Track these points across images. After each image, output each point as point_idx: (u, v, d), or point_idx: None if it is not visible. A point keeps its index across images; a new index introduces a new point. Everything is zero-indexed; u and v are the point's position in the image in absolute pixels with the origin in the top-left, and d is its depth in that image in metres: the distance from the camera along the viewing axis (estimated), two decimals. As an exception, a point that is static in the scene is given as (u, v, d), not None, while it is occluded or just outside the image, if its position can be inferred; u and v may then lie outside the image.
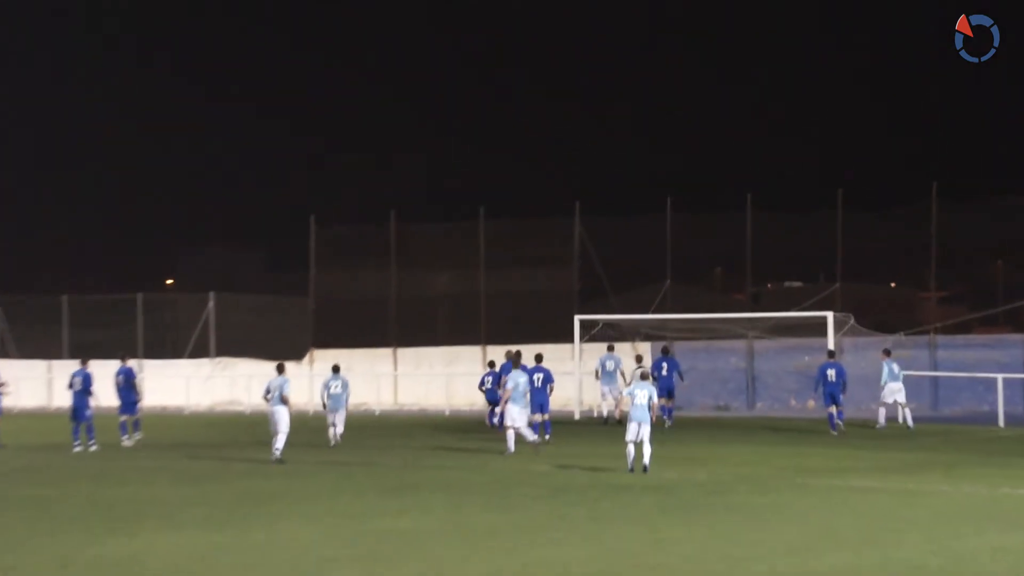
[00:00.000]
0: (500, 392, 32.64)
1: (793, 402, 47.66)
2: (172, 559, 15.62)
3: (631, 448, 24.84)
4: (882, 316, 52.15)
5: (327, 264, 56.92)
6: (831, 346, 39.64)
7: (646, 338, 49.69)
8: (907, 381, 40.26)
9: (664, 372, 40.18)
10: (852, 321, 43.72)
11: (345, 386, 33.47)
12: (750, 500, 20.87)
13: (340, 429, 33.12)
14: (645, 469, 24.56)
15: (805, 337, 45.89)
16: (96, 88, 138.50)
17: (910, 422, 37.76)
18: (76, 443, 32.61)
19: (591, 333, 46.17)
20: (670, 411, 39.86)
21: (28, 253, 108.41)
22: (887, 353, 39.29)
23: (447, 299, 56.82)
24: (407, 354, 54.25)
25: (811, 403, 45.14)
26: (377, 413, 48.93)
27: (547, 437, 33.20)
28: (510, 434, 29.73)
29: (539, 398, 33.79)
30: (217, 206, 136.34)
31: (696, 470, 25.77)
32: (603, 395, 41.92)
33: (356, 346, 53.81)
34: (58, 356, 58.50)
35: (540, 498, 21.48)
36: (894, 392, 38.44)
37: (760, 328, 47.44)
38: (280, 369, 29.82)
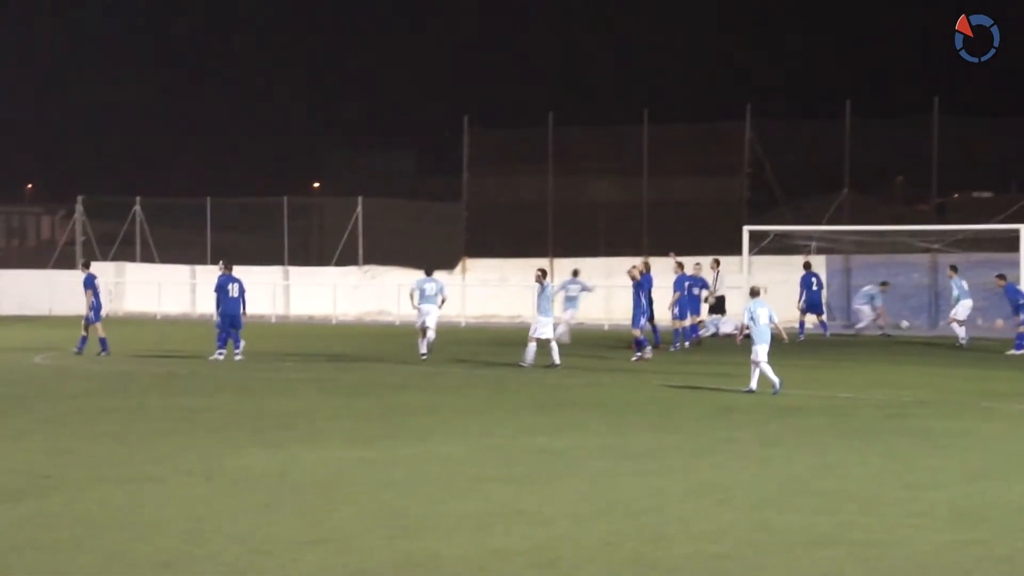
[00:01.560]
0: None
1: (980, 321, 46.88)
2: (318, 473, 15.91)
3: (758, 369, 24.74)
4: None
5: (481, 169, 57.03)
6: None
7: (819, 251, 49.19)
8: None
9: (814, 287, 41.17)
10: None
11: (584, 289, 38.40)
12: (931, 424, 20.66)
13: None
14: (776, 390, 24.40)
15: (995, 252, 45.05)
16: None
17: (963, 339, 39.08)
18: (220, 351, 33.08)
19: (761, 245, 45.83)
20: (803, 326, 41.28)
21: (170, 154, 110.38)
22: (954, 270, 40.27)
23: (607, 208, 56.62)
24: (565, 265, 54.27)
25: (999, 323, 44.39)
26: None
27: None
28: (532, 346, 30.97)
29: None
30: (366, 106, 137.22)
31: (873, 392, 25.59)
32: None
33: (511, 255, 53.94)
34: (202, 261, 59.54)
35: (704, 419, 21.50)
36: (967, 308, 39.52)
37: (945, 242, 46.66)
38: (428, 271, 33.50)
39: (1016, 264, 40.97)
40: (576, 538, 12.42)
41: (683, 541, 12.29)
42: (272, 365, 31.99)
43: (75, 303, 58.63)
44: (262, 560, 11.52)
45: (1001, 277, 38.66)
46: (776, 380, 24.50)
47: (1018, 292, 37.17)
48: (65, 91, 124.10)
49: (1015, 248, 41.54)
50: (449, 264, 55.75)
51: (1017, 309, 36.77)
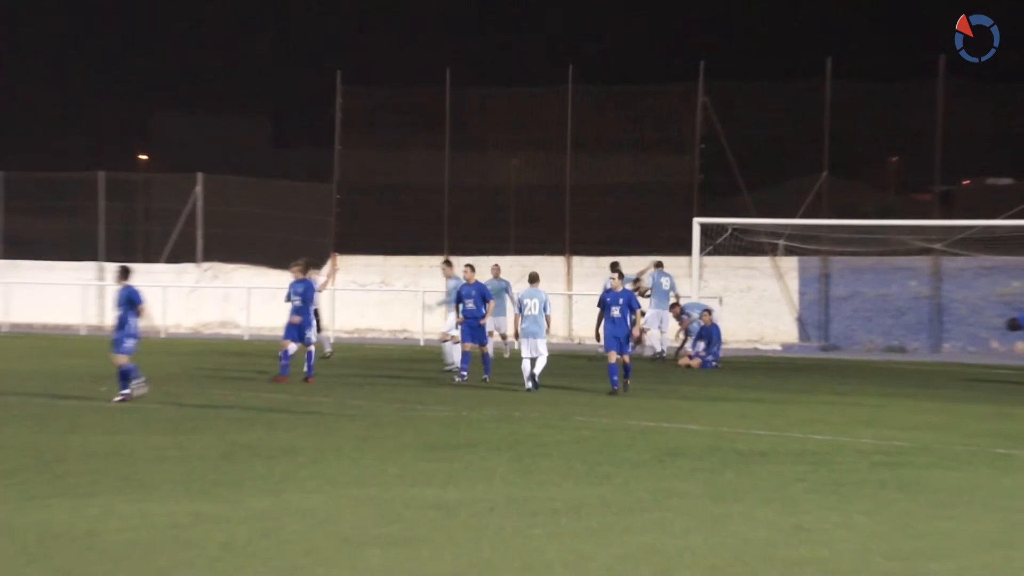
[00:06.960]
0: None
1: (995, 344, 47.47)
2: (137, 532, 15.72)
3: (528, 364, 29.84)
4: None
5: (357, 140, 56.95)
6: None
7: (789, 251, 49.55)
8: None
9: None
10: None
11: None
12: (932, 476, 20.82)
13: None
14: (536, 385, 29.91)
15: (1014, 255, 45.63)
16: None
17: None
18: None
19: (716, 242, 46.11)
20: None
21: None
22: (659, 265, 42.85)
23: (519, 192, 56.68)
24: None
25: (1020, 346, 44.94)
26: (422, 343, 49.11)
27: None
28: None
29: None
30: (209, 59, 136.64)
31: (858, 433, 25.76)
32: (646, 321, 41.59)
33: (395, 252, 53.82)
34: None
35: (641, 465, 21.52)
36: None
37: (951, 240, 47.17)
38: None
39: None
40: (474, 620, 12.36)
41: (613, 625, 12.25)
42: (83, 389, 31.70)
43: None
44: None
45: (659, 264, 39.93)
46: (538, 372, 30.17)
47: None
48: None
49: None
50: (316, 262, 55.59)
51: None
